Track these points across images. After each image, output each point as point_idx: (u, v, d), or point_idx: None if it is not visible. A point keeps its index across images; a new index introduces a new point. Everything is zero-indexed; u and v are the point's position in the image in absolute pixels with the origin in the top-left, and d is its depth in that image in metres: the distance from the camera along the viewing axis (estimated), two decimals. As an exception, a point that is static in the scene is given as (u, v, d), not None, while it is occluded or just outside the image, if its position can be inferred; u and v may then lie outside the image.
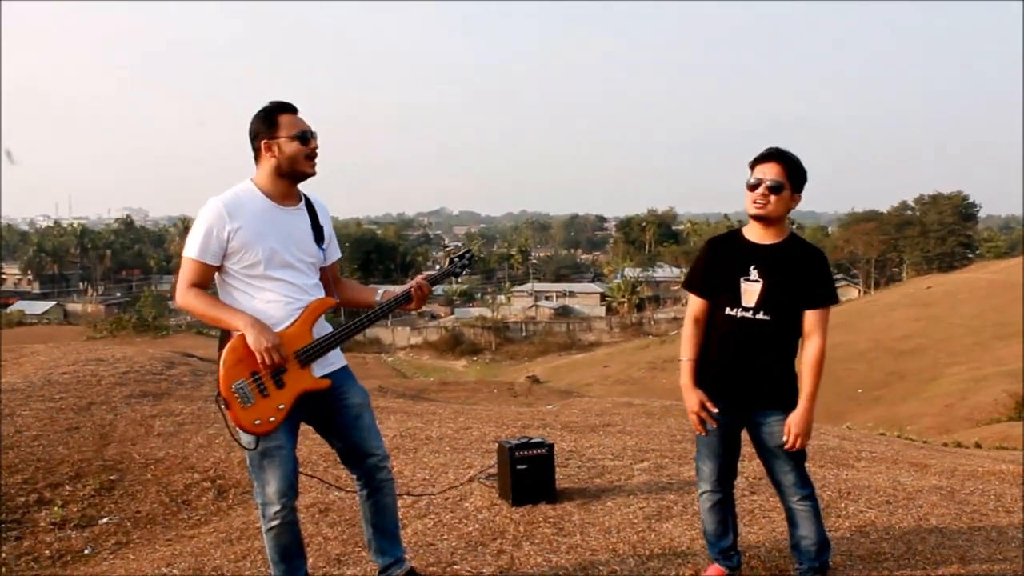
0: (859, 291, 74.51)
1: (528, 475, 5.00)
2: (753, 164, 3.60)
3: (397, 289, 3.70)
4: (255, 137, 3.43)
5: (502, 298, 77.21)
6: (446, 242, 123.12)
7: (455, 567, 4.16)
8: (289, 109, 3.45)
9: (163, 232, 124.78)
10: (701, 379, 3.69)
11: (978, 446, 12.70)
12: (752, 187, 3.56)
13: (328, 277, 3.70)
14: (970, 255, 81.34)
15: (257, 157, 3.45)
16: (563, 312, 75.76)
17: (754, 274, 3.58)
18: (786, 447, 3.54)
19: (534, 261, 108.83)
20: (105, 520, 5.52)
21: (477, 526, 4.69)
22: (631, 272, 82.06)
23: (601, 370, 43.12)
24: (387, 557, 3.75)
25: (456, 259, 3.92)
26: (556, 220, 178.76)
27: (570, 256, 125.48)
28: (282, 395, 3.33)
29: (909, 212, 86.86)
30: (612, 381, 37.94)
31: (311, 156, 3.47)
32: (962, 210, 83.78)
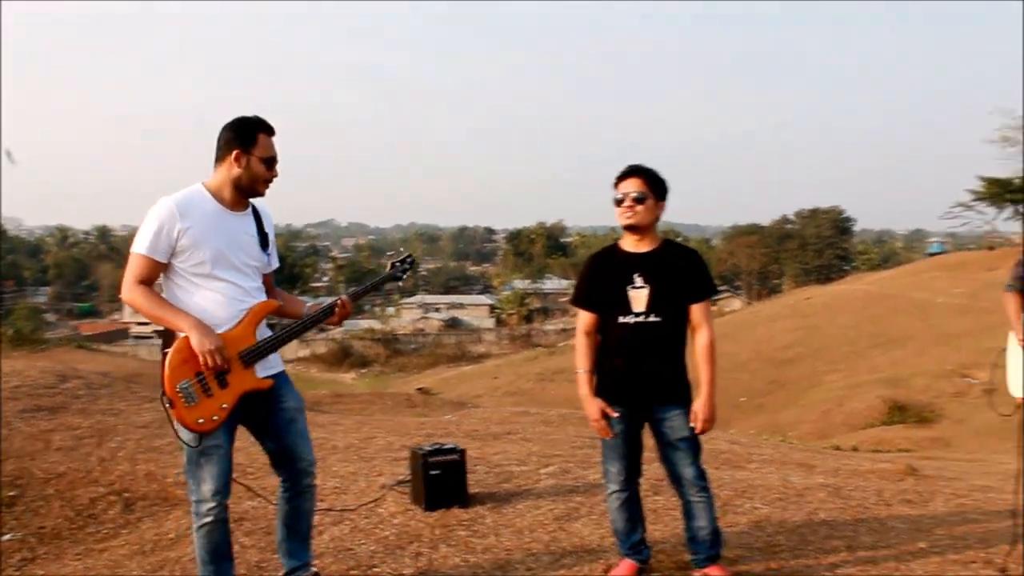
0: (742, 302, 76.53)
1: (441, 480, 5.14)
2: (616, 182, 3.87)
3: (324, 303, 3.84)
4: (227, 143, 3.52)
5: (391, 310, 76.82)
6: (334, 253, 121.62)
7: (375, 570, 4.28)
8: (269, 130, 3.57)
9: (39, 242, 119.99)
10: (600, 387, 3.90)
11: (855, 449, 13.28)
12: (618, 202, 3.84)
13: (269, 283, 3.80)
14: (846, 267, 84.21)
15: (219, 161, 3.54)
16: (452, 324, 75.56)
17: (639, 281, 3.81)
18: (696, 431, 3.78)
19: (423, 273, 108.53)
20: (7, 537, 5.42)
21: (393, 530, 4.81)
22: (520, 284, 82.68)
23: (491, 381, 43.12)
24: (294, 560, 3.86)
25: (398, 263, 4.07)
26: (445, 232, 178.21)
27: (459, 268, 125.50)
28: (225, 395, 3.43)
29: (789, 226, 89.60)
30: (502, 392, 38.02)
31: (269, 181, 3.60)
32: (839, 224, 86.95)
